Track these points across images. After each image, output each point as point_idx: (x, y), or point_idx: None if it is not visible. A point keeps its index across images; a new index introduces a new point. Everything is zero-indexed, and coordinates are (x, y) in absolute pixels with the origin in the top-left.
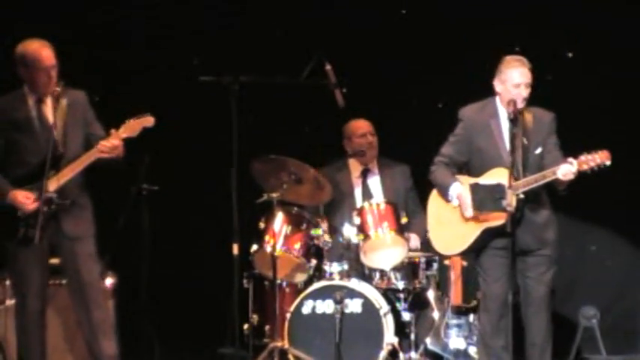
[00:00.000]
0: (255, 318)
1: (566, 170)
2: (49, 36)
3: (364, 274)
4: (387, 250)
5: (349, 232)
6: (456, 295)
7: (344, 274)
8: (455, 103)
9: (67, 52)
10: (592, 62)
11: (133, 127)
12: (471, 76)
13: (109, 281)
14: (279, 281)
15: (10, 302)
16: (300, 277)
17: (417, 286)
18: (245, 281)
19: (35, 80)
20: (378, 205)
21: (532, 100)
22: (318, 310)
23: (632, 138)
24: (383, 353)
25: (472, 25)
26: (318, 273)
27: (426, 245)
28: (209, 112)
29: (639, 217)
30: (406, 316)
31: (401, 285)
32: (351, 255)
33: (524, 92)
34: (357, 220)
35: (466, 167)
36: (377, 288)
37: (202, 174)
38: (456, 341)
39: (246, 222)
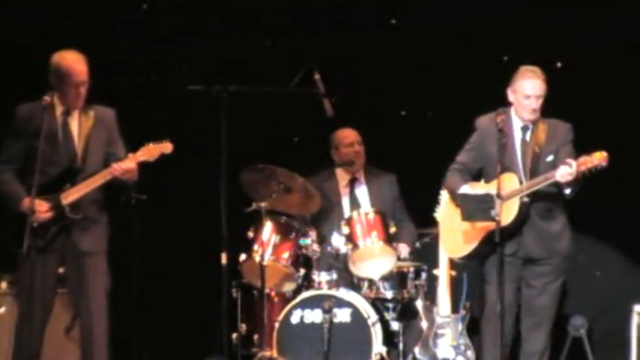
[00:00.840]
0: (243, 327)
1: (564, 172)
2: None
3: (353, 283)
4: (375, 260)
5: (338, 241)
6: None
7: (332, 284)
8: (443, 113)
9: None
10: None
11: (151, 151)
12: (461, 85)
13: None
14: (267, 290)
15: (1, 310)
16: (288, 287)
17: (406, 295)
18: (234, 290)
19: (65, 93)
20: (366, 214)
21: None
22: (307, 320)
23: (623, 148)
24: None
25: (462, 34)
26: (307, 282)
27: (415, 255)
28: (198, 121)
29: (629, 227)
30: (395, 325)
31: (389, 294)
32: (339, 264)
33: (535, 104)
34: (345, 230)
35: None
36: (365, 297)
37: (191, 183)
38: (444, 351)
39: (234, 231)
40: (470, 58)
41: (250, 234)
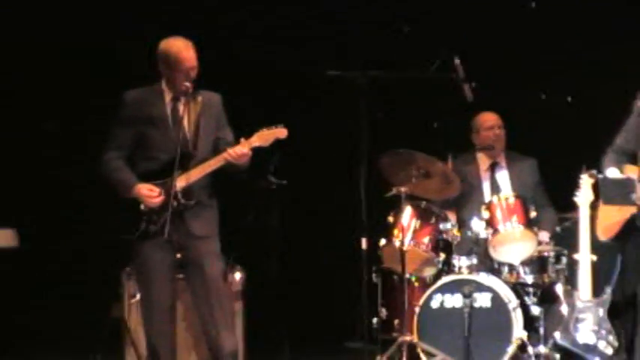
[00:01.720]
0: (383, 312)
1: None
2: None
3: (493, 268)
4: (516, 244)
5: (478, 226)
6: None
7: (472, 268)
8: (584, 97)
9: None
10: None
11: (265, 136)
12: (603, 69)
13: (237, 276)
14: (407, 275)
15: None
16: (428, 272)
17: (546, 280)
18: (374, 275)
19: (174, 79)
20: (506, 198)
21: None
22: (447, 305)
23: None
24: (512, 347)
25: (604, 15)
26: (447, 267)
27: (555, 239)
28: (338, 107)
29: None
30: (535, 310)
31: (530, 279)
32: (479, 249)
33: None
34: (485, 214)
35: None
36: (506, 282)
37: (331, 168)
38: (585, 336)
39: (374, 216)
40: (614, 39)
41: (390, 219)
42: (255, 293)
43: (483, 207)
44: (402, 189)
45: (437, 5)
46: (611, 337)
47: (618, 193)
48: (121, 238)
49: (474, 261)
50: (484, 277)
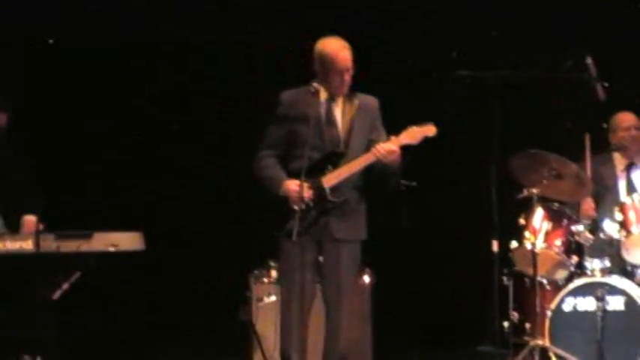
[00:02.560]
0: (515, 316)
1: None
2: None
3: (626, 270)
4: None
5: (610, 227)
6: None
7: (605, 271)
8: None
9: None
10: None
11: (414, 134)
12: None
13: (367, 279)
14: (539, 278)
15: (269, 300)
16: (560, 274)
17: None
18: (505, 278)
19: (328, 80)
20: None
21: None
22: (580, 308)
23: None
24: None
25: None
26: (579, 270)
27: None
28: (468, 107)
29: None
30: None
31: None
32: (612, 251)
33: None
34: (618, 216)
35: None
36: (639, 285)
37: (461, 169)
38: None
39: (505, 218)
40: None
41: (521, 221)
42: (385, 295)
43: (616, 208)
44: (534, 190)
45: (569, 3)
46: None
47: None
48: (267, 235)
49: (607, 263)
50: (617, 280)
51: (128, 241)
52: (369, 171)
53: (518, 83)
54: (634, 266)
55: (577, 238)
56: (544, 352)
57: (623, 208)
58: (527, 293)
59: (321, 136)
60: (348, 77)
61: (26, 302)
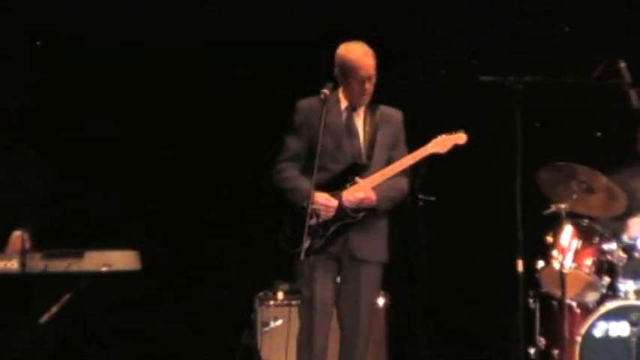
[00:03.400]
0: (542, 341)
1: None
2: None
3: None
4: None
5: None
6: None
7: None
8: None
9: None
10: None
11: (443, 143)
12: None
13: (381, 301)
14: (568, 301)
15: (275, 324)
16: (591, 297)
17: None
18: (531, 301)
19: (350, 88)
20: None
21: None
22: (612, 333)
23: None
24: None
25: None
26: (611, 292)
27: None
28: (490, 115)
29: None
30: None
31: None
32: None
33: None
34: None
35: None
36: None
37: (483, 183)
38: None
39: (531, 236)
40: None
41: (549, 238)
42: (401, 319)
43: None
44: (562, 206)
45: (599, 4)
46: None
47: None
48: (281, 253)
49: None
50: None
51: (123, 260)
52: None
53: (545, 90)
54: None
55: (609, 257)
56: None
57: None
58: (555, 317)
59: (340, 147)
60: (369, 86)
61: (11, 326)
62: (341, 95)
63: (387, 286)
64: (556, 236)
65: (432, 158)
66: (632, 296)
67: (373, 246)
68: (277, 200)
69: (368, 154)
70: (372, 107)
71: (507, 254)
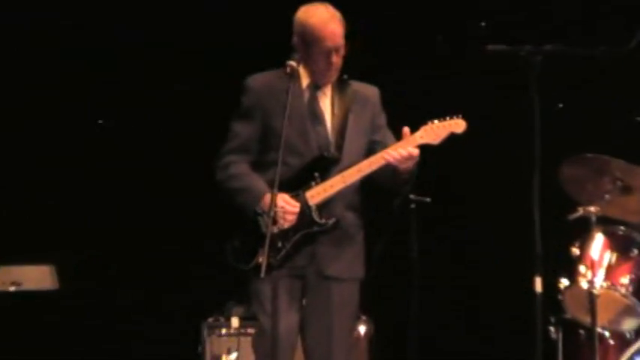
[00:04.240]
0: None
1: None
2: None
3: None
4: None
5: None
6: None
7: None
8: None
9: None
10: None
11: (436, 131)
12: None
13: (362, 329)
14: (599, 329)
15: (228, 358)
16: (628, 324)
17: None
18: (552, 329)
19: (313, 61)
20: None
21: None
22: None
23: None
24: None
25: None
26: None
27: None
28: (500, 95)
29: None
30: None
31: None
32: None
33: None
34: None
35: None
36: None
37: (491, 181)
38: None
39: (552, 247)
40: None
41: (575, 250)
42: (389, 348)
43: None
44: (592, 209)
45: None
46: None
47: None
48: (232, 270)
49: None
50: None
51: (35, 277)
52: (369, 182)
53: (570, 62)
54: None
55: None
56: None
57: None
58: (583, 349)
59: (302, 135)
60: (336, 59)
61: None
62: (302, 70)
63: (368, 310)
64: (584, 248)
65: (424, 150)
66: None
67: (347, 259)
68: (221, 203)
69: (337, 145)
70: (340, 85)
71: (523, 270)
